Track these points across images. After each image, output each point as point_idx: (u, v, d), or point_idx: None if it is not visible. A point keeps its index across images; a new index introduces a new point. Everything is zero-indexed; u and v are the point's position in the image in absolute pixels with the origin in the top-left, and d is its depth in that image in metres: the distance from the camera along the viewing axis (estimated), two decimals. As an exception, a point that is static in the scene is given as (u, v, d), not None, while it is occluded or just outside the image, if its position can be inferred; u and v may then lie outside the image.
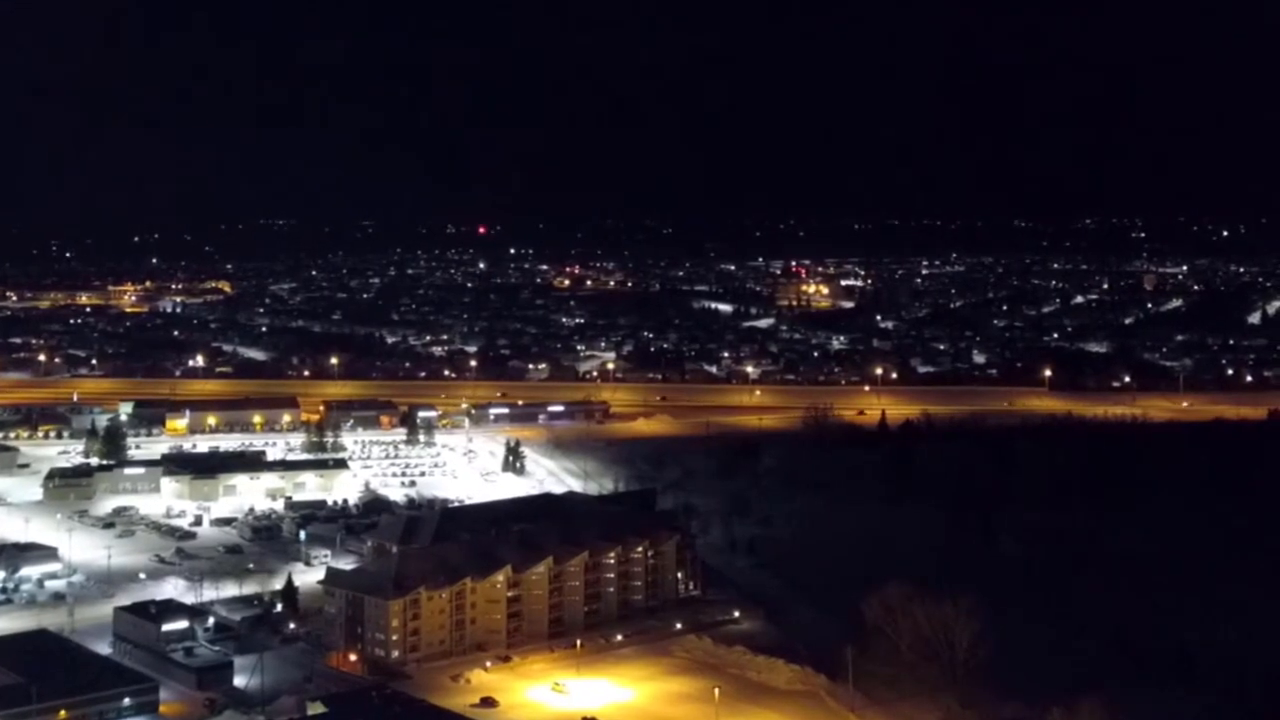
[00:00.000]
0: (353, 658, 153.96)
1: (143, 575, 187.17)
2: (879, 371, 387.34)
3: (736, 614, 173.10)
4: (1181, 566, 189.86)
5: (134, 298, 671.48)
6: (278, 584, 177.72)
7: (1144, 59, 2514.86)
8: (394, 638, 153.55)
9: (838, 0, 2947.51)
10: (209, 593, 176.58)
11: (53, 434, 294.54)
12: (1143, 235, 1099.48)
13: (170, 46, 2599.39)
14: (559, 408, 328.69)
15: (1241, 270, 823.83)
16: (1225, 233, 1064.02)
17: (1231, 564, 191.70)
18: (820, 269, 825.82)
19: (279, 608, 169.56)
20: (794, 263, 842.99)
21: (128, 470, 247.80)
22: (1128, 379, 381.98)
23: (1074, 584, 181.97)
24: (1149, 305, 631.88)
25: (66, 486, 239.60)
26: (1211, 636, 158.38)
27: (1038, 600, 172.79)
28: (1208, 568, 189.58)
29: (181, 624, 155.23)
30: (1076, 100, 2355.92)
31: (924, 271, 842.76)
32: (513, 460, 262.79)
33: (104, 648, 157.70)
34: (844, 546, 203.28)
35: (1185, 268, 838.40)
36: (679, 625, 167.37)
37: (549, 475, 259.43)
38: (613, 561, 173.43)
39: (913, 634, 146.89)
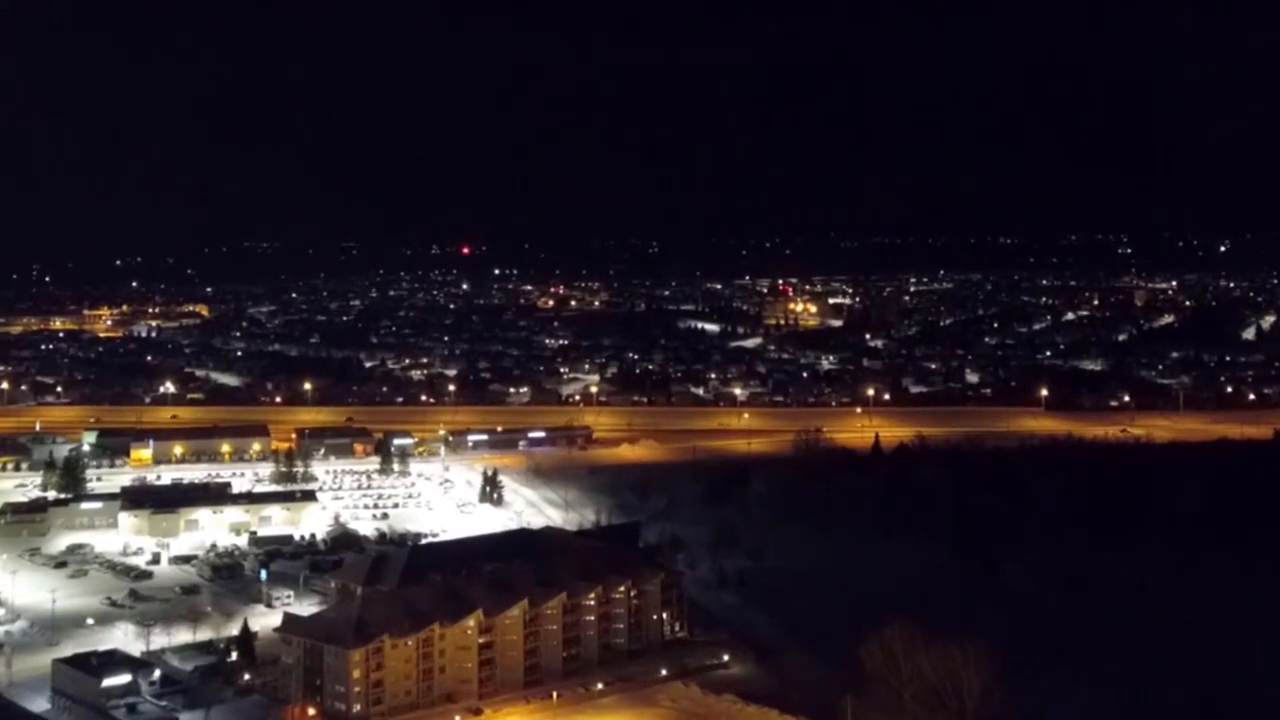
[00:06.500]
0: (311, 712, 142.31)
1: (91, 620, 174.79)
2: (870, 392, 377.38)
3: (726, 657, 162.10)
4: (1198, 599, 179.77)
5: (109, 322, 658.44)
6: (236, 628, 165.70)
7: (1125, 74, 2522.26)
8: (355, 689, 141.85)
9: (819, 19, 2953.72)
10: (160, 639, 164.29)
11: (10, 466, 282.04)
12: (1129, 251, 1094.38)
13: (156, 67, 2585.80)
14: (540, 434, 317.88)
15: (1232, 285, 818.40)
16: (1223, 248, 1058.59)
17: (1251, 593, 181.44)
18: (807, 287, 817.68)
19: (234, 656, 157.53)
20: (781, 281, 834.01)
21: (84, 505, 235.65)
22: (1125, 398, 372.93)
23: (1085, 622, 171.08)
24: (1141, 321, 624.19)
25: (19, 522, 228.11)
26: (1236, 675, 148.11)
27: (1047, 640, 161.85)
28: (1226, 599, 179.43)
29: (124, 678, 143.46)
30: (1057, 116, 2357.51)
31: (912, 289, 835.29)
32: (490, 490, 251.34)
33: (42, 703, 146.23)
34: (840, 580, 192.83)
35: (1175, 283, 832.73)
36: (664, 671, 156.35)
37: (528, 506, 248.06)
38: (593, 603, 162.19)
39: (917, 682, 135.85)
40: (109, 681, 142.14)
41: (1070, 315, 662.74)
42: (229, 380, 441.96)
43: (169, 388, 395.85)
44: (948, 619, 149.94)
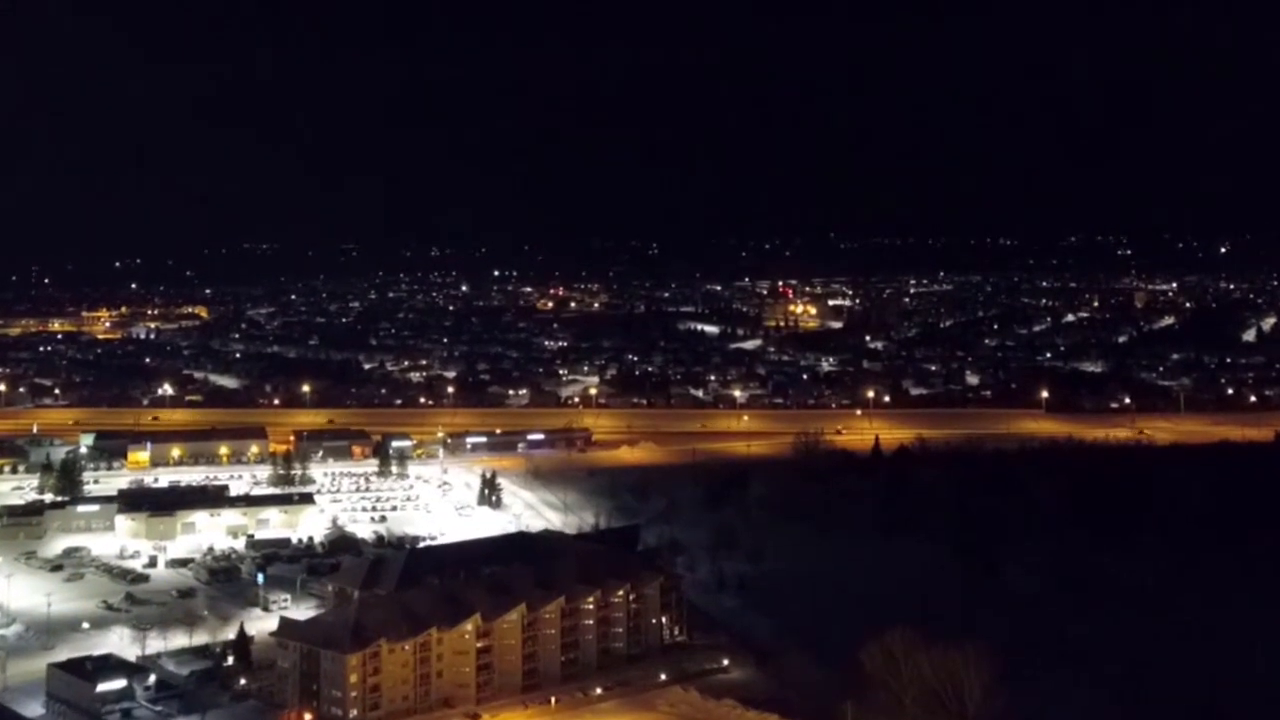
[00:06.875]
0: (308, 717, 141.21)
1: (86, 624, 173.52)
2: (870, 394, 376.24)
3: (725, 662, 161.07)
4: (1199, 601, 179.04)
5: (108, 324, 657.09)
6: (232, 632, 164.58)
7: (1125, 74, 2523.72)
8: (352, 694, 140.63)
9: (820, 20, 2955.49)
10: (157, 643, 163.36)
11: (8, 468, 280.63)
12: (1129, 252, 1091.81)
13: (156, 68, 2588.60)
14: (539, 436, 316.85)
15: (1232, 287, 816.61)
16: (1223, 250, 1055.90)
17: (1251, 594, 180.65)
18: (807, 289, 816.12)
19: (230, 660, 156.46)
20: (780, 282, 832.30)
21: (81, 508, 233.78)
22: (1126, 400, 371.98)
23: (1086, 623, 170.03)
24: (1141, 323, 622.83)
25: (15, 525, 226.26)
26: (1236, 676, 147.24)
27: (1048, 642, 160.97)
28: (1227, 601, 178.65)
29: (119, 683, 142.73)
30: (1057, 116, 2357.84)
31: (911, 290, 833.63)
32: (489, 493, 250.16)
33: (37, 708, 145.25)
34: (840, 583, 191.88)
35: (1174, 284, 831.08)
36: (663, 675, 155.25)
37: (527, 509, 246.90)
38: (591, 606, 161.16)
39: (917, 685, 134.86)
40: (104, 686, 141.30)
41: (1070, 317, 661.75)
42: (227, 382, 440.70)
43: (167, 390, 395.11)
44: (948, 621, 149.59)
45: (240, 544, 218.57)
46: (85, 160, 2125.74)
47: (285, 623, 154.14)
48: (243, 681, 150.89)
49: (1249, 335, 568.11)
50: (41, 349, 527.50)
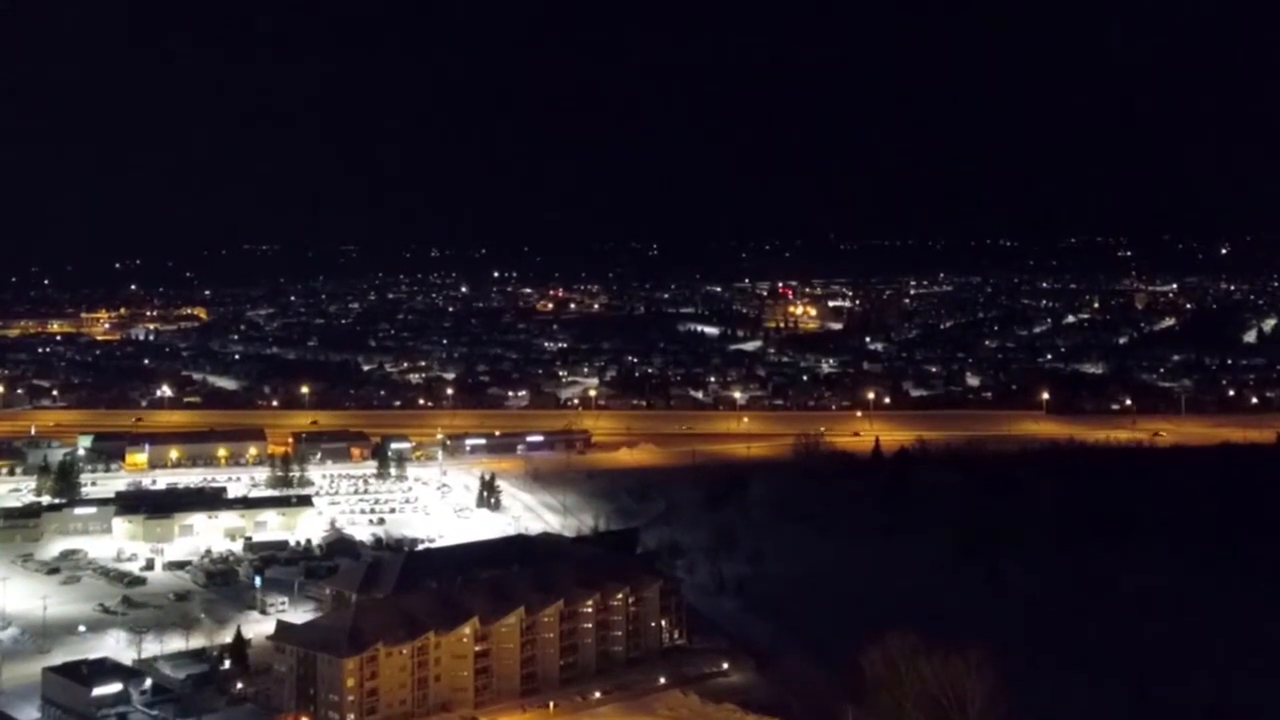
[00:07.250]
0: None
1: (83, 628, 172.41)
2: (870, 396, 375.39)
3: (725, 665, 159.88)
4: (1202, 602, 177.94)
5: (107, 325, 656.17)
6: (229, 635, 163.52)
7: (1125, 74, 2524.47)
8: (349, 699, 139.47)
9: (820, 20, 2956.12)
10: (153, 647, 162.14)
11: (4, 470, 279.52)
12: (1129, 254, 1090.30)
13: (156, 69, 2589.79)
14: (538, 438, 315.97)
15: (1232, 288, 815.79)
16: (1223, 251, 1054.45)
17: (1255, 595, 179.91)
18: (807, 290, 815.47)
19: (227, 664, 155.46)
20: (780, 284, 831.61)
21: (78, 510, 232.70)
22: (1127, 401, 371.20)
23: (1088, 626, 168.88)
24: (1141, 324, 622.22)
25: (12, 528, 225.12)
26: (1240, 679, 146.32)
27: (1050, 645, 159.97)
28: (1230, 602, 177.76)
29: (115, 687, 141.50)
30: (1056, 116, 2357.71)
31: (911, 291, 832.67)
32: (487, 495, 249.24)
33: (32, 712, 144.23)
34: (840, 586, 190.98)
35: (1175, 286, 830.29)
36: (663, 679, 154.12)
37: (526, 511, 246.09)
38: (590, 610, 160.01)
39: (918, 688, 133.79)
40: (99, 690, 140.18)
41: (1071, 318, 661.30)
42: (226, 384, 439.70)
43: (166, 391, 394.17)
44: (949, 623, 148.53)
45: (238, 546, 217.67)
46: (85, 161, 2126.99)
47: (283, 626, 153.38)
48: (239, 685, 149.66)
49: (1250, 336, 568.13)
50: (40, 350, 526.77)
